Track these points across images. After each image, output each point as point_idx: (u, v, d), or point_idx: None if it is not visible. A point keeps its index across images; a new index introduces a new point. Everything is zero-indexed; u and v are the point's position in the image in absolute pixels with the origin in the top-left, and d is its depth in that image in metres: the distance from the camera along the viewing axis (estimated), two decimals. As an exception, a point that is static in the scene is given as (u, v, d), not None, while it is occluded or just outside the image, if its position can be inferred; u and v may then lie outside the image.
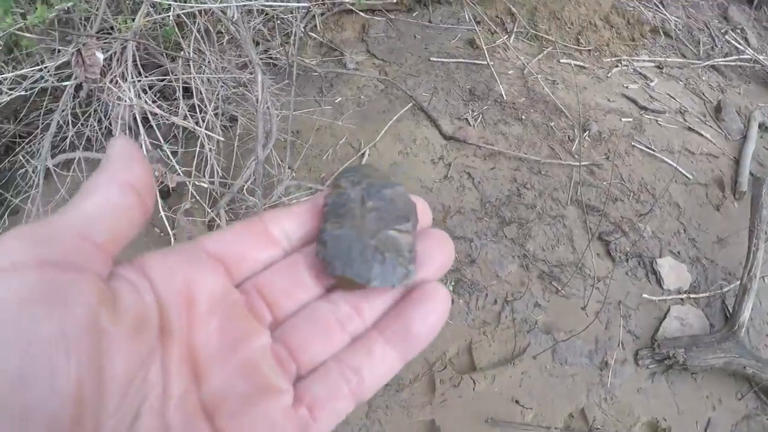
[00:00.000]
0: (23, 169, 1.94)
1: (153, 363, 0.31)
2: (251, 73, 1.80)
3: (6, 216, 1.98)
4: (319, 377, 0.36)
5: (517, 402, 1.69)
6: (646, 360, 1.90)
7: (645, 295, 2.05)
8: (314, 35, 2.79)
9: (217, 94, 1.78)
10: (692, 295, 2.11)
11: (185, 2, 1.67)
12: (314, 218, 0.39)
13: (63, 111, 1.70)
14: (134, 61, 1.73)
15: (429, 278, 0.38)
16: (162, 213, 1.47)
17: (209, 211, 1.91)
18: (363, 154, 2.22)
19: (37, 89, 1.70)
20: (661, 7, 3.32)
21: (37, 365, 0.25)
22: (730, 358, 1.86)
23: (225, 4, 1.40)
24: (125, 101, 1.57)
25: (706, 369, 1.88)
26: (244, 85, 2.09)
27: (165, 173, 1.43)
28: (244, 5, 1.43)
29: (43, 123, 1.90)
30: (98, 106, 1.91)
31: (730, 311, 2.05)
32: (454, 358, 1.77)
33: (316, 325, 0.36)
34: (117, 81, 1.62)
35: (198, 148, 1.82)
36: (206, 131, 1.66)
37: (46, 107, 1.93)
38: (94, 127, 1.95)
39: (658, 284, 2.10)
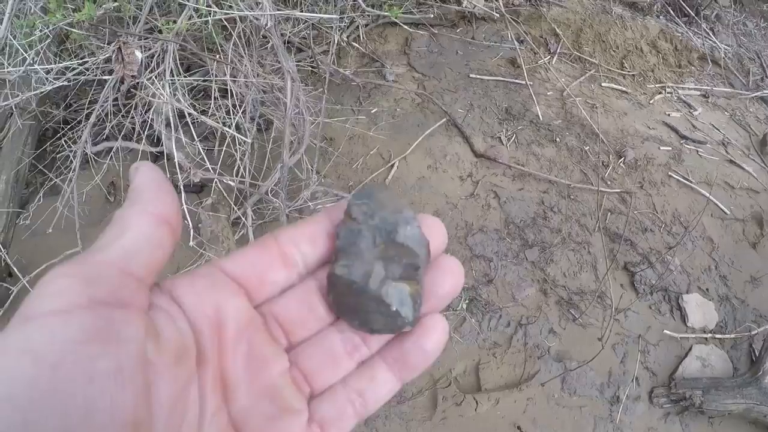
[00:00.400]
0: (63, 153, 2.03)
1: (192, 386, 0.34)
2: (294, 79, 1.84)
3: (42, 195, 2.07)
4: (328, 399, 0.39)
5: (518, 428, 1.67)
6: (661, 399, 1.85)
7: (667, 331, 2.00)
8: (357, 45, 2.83)
9: (251, 98, 1.83)
10: (717, 336, 2.05)
11: (230, 7, 1.72)
12: (328, 239, 0.41)
13: (105, 102, 1.78)
14: (176, 60, 1.80)
15: (433, 309, 0.41)
16: (184, 206, 1.51)
17: (235, 209, 1.95)
18: (392, 166, 2.23)
19: (81, 80, 1.78)
20: (711, 35, 3.24)
21: (99, 398, 0.28)
22: (750, 404, 1.80)
23: (259, 12, 1.44)
24: (161, 98, 1.62)
25: (724, 414, 1.82)
26: (281, 90, 2.13)
27: (189, 168, 1.47)
28: (277, 14, 1.46)
29: (87, 111, 1.99)
30: (140, 99, 1.98)
31: (757, 355, 1.98)
32: (460, 376, 1.76)
33: (327, 353, 0.40)
34: (153, 80, 1.68)
35: (225, 148, 1.86)
36: (234, 132, 1.70)
37: (92, 96, 2.02)
38: (135, 119, 2.02)
39: (682, 321, 2.05)
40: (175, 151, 1.58)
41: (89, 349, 0.28)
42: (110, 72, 1.62)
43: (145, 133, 2.00)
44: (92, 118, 1.68)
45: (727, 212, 2.41)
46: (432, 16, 2.83)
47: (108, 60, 1.79)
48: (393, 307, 0.38)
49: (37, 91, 1.75)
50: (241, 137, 1.73)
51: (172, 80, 1.75)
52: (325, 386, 0.40)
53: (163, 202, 0.35)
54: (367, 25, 2.89)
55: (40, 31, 1.54)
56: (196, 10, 1.74)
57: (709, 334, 2.04)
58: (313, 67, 2.53)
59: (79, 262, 0.32)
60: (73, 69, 1.60)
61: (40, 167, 2.19)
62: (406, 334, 0.40)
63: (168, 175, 1.77)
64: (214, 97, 1.95)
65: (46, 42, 1.60)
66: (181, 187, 1.54)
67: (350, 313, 0.39)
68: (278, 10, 1.66)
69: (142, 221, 0.34)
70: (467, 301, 1.89)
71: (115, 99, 1.96)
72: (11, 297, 1.87)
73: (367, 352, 0.40)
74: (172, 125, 1.63)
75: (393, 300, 0.38)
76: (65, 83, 1.74)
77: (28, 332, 0.28)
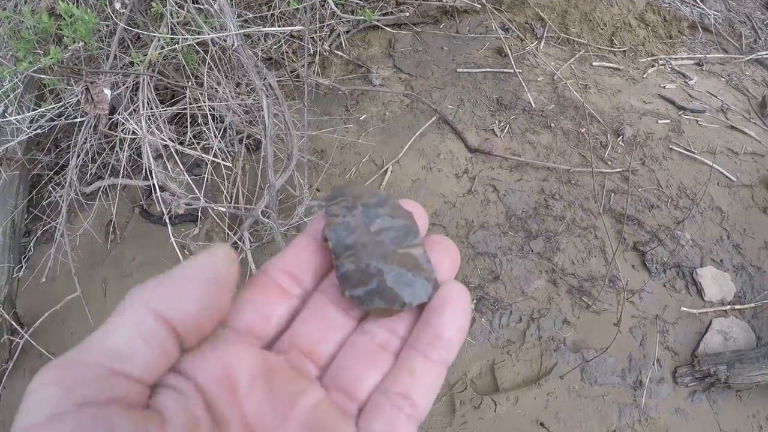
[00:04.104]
0: (52, 199, 2.02)
1: None
2: (268, 96, 1.82)
3: (35, 243, 2.06)
4: (375, 414, 0.36)
5: (542, 425, 1.63)
6: (686, 378, 1.81)
7: (684, 308, 1.95)
8: (340, 53, 2.80)
9: (229, 121, 1.80)
10: (737, 307, 1.99)
11: (197, 33, 1.70)
12: (316, 254, 0.39)
13: (84, 144, 1.76)
14: (152, 91, 1.78)
15: (444, 280, 0.39)
16: (172, 239, 1.49)
17: (230, 234, 1.93)
18: (386, 171, 2.20)
19: (59, 124, 1.77)
20: (699, 2, 3.17)
21: None
22: (777, 374, 1.75)
23: (224, 33, 1.41)
24: (140, 133, 1.60)
25: (752, 386, 1.77)
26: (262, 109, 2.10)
27: (171, 201, 1.45)
28: (241, 33, 1.43)
29: (73, 153, 1.98)
30: (120, 136, 1.97)
31: (779, 322, 1.93)
32: (476, 378, 1.72)
33: (361, 357, 0.37)
34: (131, 115, 1.66)
35: (215, 174, 1.84)
36: (216, 159, 1.67)
37: (76, 138, 2.01)
38: (120, 156, 2.01)
39: (698, 296, 2.00)
40: (156, 183, 1.56)
41: None
42: (84, 113, 1.60)
43: (132, 168, 1.98)
44: (73, 161, 1.66)
45: (734, 179, 2.35)
46: (408, 14, 2.79)
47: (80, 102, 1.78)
48: (412, 272, 0.37)
49: (15, 141, 1.74)
50: (226, 163, 1.70)
51: (151, 112, 1.73)
52: (371, 389, 0.37)
53: (177, 300, 0.32)
54: (348, 32, 2.86)
55: (10, 80, 1.52)
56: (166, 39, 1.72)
57: (728, 306, 1.99)
58: (296, 80, 2.50)
59: (63, 364, 0.29)
60: (45, 115, 1.59)
61: (36, 213, 2.18)
62: (429, 312, 0.37)
63: (161, 207, 1.75)
64: (197, 124, 1.93)
65: (18, 91, 1.58)
66: (166, 220, 1.51)
67: (377, 298, 0.37)
68: (247, 27, 1.63)
69: (140, 317, 0.31)
70: (475, 301, 1.84)
71: (99, 138, 1.95)
72: (18, 350, 1.87)
73: (399, 343, 0.38)
74: (151, 158, 1.61)
75: (413, 265, 0.38)
76: (41, 130, 1.73)
77: None
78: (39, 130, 1.64)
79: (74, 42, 1.52)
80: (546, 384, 1.71)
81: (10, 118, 1.55)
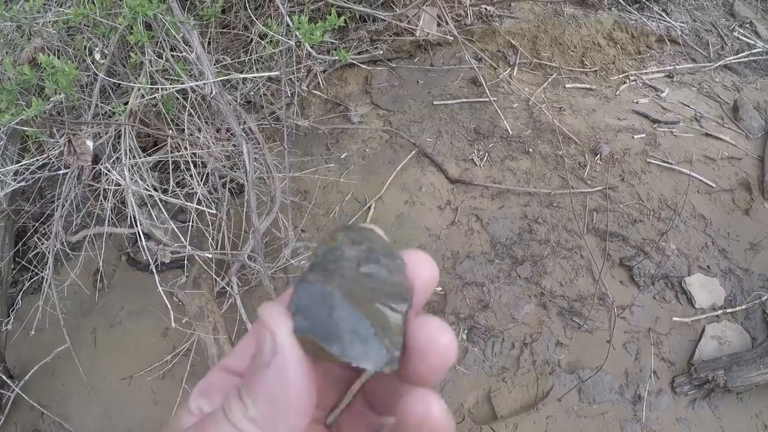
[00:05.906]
0: (39, 250, 2.02)
1: None
2: (249, 141, 1.84)
3: (22, 296, 2.05)
4: None
5: (542, 450, 1.62)
6: (684, 387, 1.81)
7: (676, 318, 1.96)
8: (318, 93, 2.84)
9: (210, 167, 1.83)
10: (728, 310, 2.00)
11: (176, 81, 1.72)
12: None
13: (68, 195, 1.77)
14: (134, 140, 1.80)
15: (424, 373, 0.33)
16: (160, 288, 1.49)
17: (218, 280, 1.93)
18: (369, 208, 2.22)
19: (44, 176, 1.78)
20: (664, 15, 3.25)
21: None
22: (775, 373, 1.75)
23: (202, 82, 1.44)
24: (123, 183, 1.62)
25: (751, 387, 1.77)
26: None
27: (157, 250, 1.47)
28: (221, 80, 1.47)
29: (57, 203, 1.99)
30: (105, 186, 1.98)
31: (772, 322, 1.94)
32: (473, 408, 1.71)
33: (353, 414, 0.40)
34: (115, 164, 1.68)
35: (201, 219, 1.85)
36: (200, 207, 1.69)
37: (59, 188, 2.02)
38: (104, 205, 2.01)
39: (689, 304, 2.01)
40: (142, 231, 1.57)
41: None
42: (67, 165, 1.62)
43: (117, 216, 1.99)
44: (58, 212, 1.68)
45: (713, 185, 2.38)
46: (382, 51, 2.84)
47: (63, 153, 1.80)
48: (375, 331, 0.31)
49: (1, 193, 1.75)
50: (210, 210, 1.72)
51: (134, 162, 1.75)
52: None
53: None
54: (325, 71, 2.91)
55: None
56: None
57: (720, 311, 2.00)
58: (276, 122, 2.54)
59: None
60: (29, 168, 1.61)
61: (23, 263, 2.17)
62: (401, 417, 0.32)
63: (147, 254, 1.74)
64: (180, 170, 1.95)
65: (2, 143, 1.60)
66: (153, 270, 1.52)
67: (318, 331, 0.31)
68: (225, 72, 1.67)
69: None
70: (466, 331, 1.85)
71: (83, 188, 1.96)
72: (9, 404, 1.85)
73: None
74: (135, 207, 1.63)
75: (376, 324, 0.31)
76: (25, 183, 1.74)
77: None
78: (23, 183, 1.65)
79: (56, 93, 1.54)
80: (544, 408, 1.70)
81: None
